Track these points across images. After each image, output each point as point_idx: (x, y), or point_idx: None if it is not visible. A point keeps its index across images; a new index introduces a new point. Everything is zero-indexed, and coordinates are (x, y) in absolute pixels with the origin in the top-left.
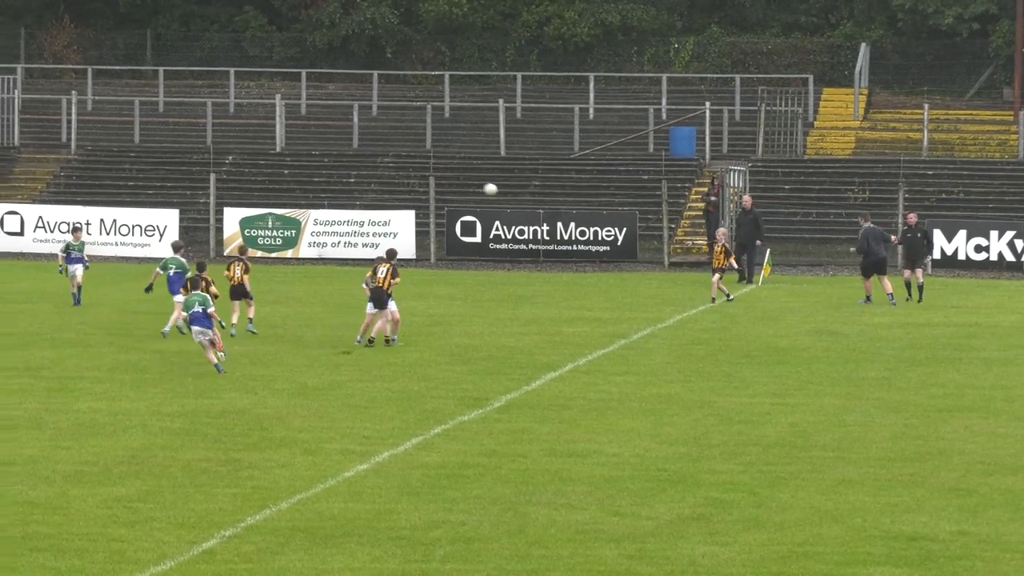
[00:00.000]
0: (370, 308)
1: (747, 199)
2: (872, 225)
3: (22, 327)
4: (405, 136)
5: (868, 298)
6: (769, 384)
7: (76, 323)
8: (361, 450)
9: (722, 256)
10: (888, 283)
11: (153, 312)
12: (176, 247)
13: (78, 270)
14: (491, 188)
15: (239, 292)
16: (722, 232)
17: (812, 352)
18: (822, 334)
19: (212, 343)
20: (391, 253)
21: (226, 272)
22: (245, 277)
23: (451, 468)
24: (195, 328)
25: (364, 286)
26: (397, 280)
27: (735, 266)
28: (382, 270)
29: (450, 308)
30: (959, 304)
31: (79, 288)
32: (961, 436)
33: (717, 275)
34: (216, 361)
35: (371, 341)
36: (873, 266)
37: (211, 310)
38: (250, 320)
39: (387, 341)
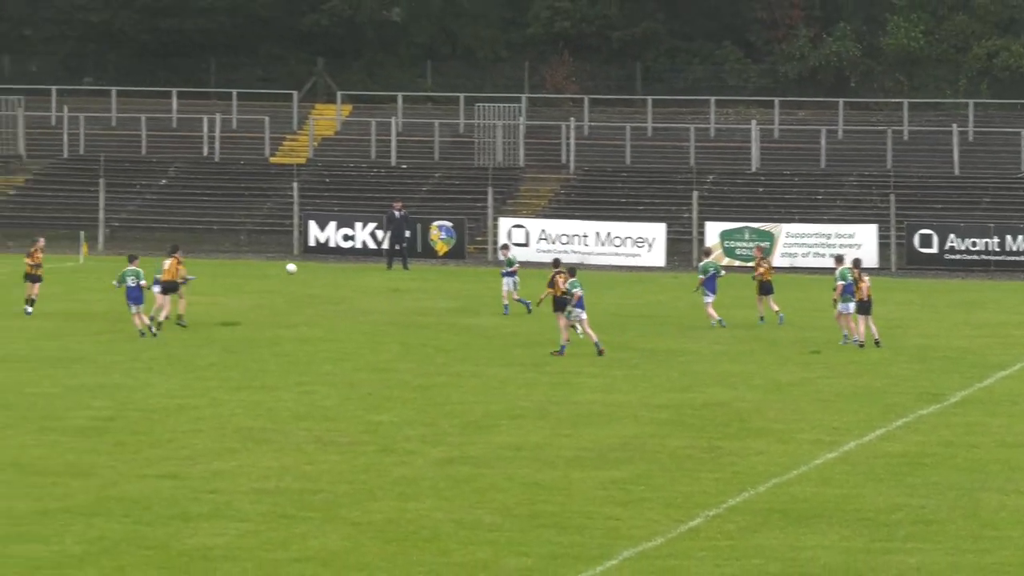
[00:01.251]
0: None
1: None
2: None
3: (531, 327)
4: (868, 157)
5: None
6: None
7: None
8: (830, 440)
9: None
10: None
11: (645, 316)
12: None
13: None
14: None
15: None
16: None
17: None
18: None
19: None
20: (856, 262)
21: None
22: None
23: (911, 457)
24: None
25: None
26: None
27: None
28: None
29: (908, 312)
30: None
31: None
32: None
33: None
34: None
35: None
36: None
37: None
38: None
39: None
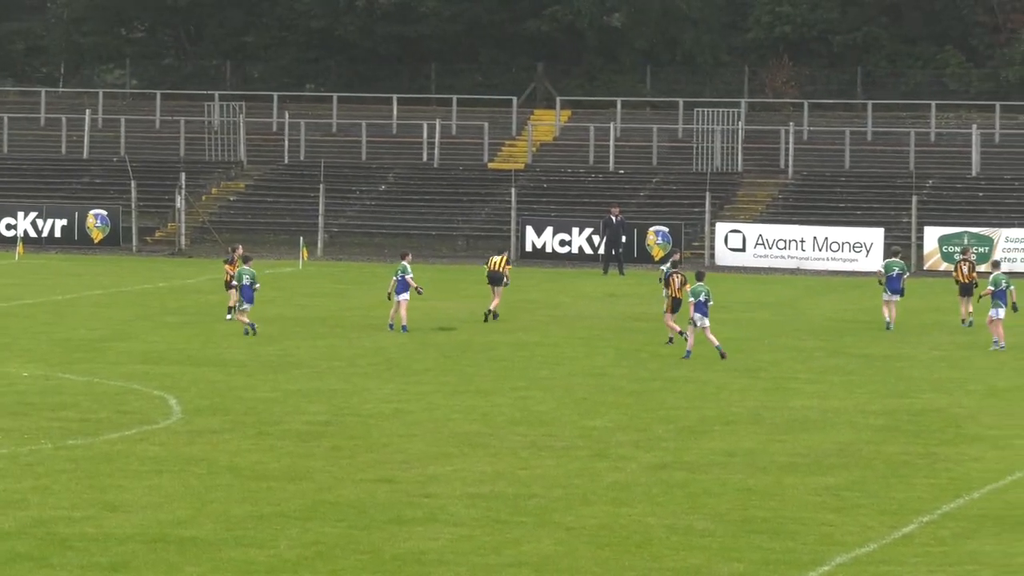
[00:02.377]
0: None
1: None
2: None
3: (744, 333)
4: None
5: None
6: None
7: (790, 329)
8: None
9: None
10: None
11: (861, 321)
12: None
13: None
14: None
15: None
16: None
17: None
18: None
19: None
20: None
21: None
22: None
23: None
24: None
25: None
26: None
27: None
28: None
29: None
30: None
31: None
32: None
33: None
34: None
35: None
36: None
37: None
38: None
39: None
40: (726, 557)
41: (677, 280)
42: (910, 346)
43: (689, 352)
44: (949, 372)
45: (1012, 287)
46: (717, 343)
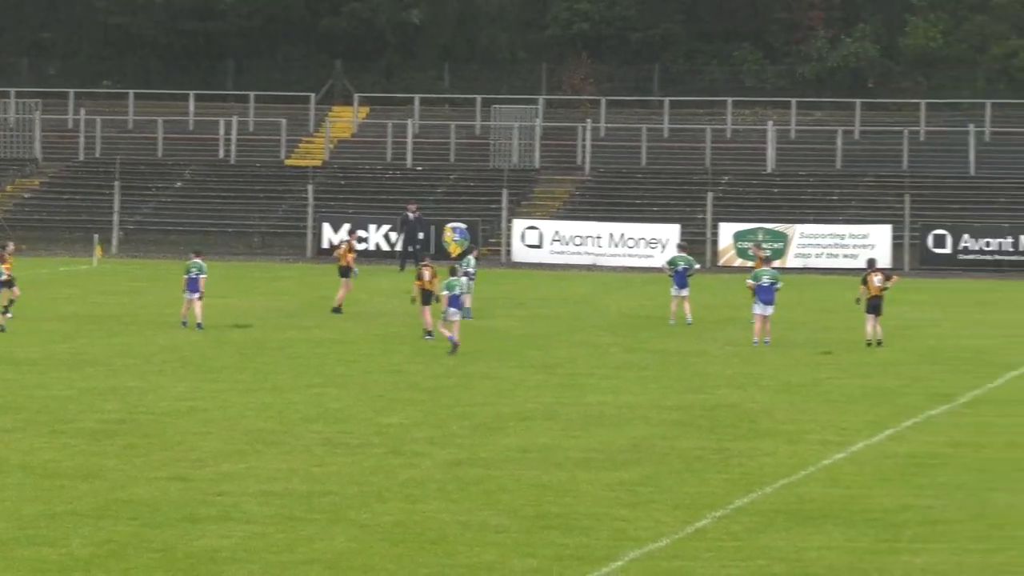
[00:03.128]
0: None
1: None
2: None
3: (540, 329)
4: (883, 158)
5: None
6: None
7: (587, 325)
8: (839, 440)
9: None
10: None
11: (657, 317)
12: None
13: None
14: None
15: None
16: None
17: None
18: None
19: None
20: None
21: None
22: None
23: (920, 458)
24: None
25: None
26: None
27: None
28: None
29: (922, 313)
30: None
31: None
32: None
33: None
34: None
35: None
36: None
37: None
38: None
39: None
40: (520, 553)
41: (427, 272)
42: (704, 342)
43: (455, 346)
44: (743, 367)
45: (877, 278)
46: (455, 336)
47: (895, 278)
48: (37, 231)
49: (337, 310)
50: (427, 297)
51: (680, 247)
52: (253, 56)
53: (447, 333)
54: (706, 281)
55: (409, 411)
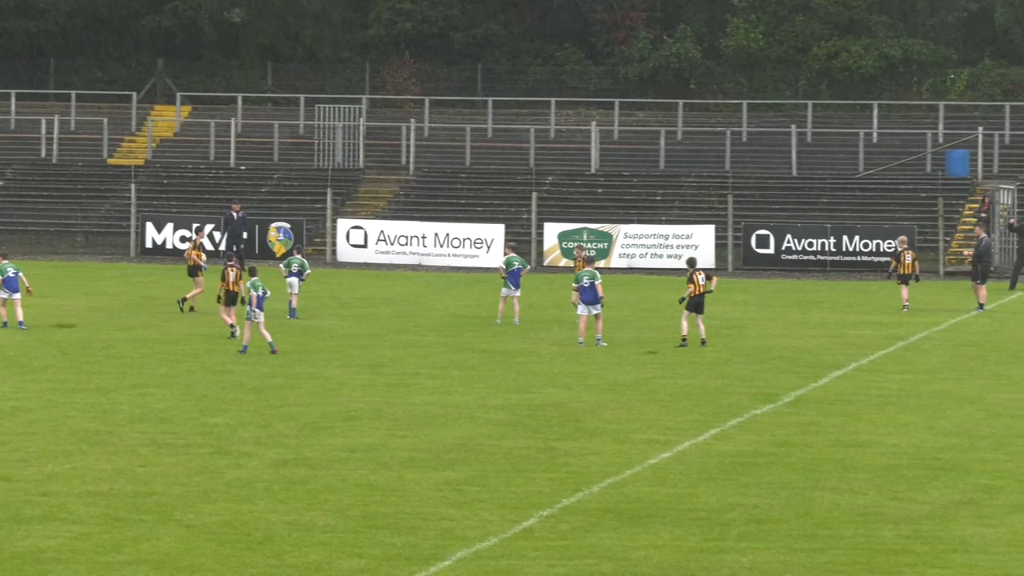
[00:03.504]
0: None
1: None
2: None
3: (365, 329)
4: (706, 158)
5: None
6: None
7: (412, 325)
8: (664, 440)
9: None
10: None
11: (483, 317)
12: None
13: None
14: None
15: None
16: (903, 239)
17: None
18: None
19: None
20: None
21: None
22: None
23: (745, 456)
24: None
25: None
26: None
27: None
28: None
29: (745, 313)
30: None
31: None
32: None
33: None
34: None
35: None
36: None
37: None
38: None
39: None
40: (347, 553)
41: (232, 274)
42: (531, 341)
43: (245, 347)
44: (569, 367)
45: (701, 277)
46: (270, 339)
47: (715, 279)
48: None
49: (184, 301)
50: (231, 298)
51: (510, 247)
52: (75, 55)
53: (231, 325)
54: (532, 281)
55: (235, 411)
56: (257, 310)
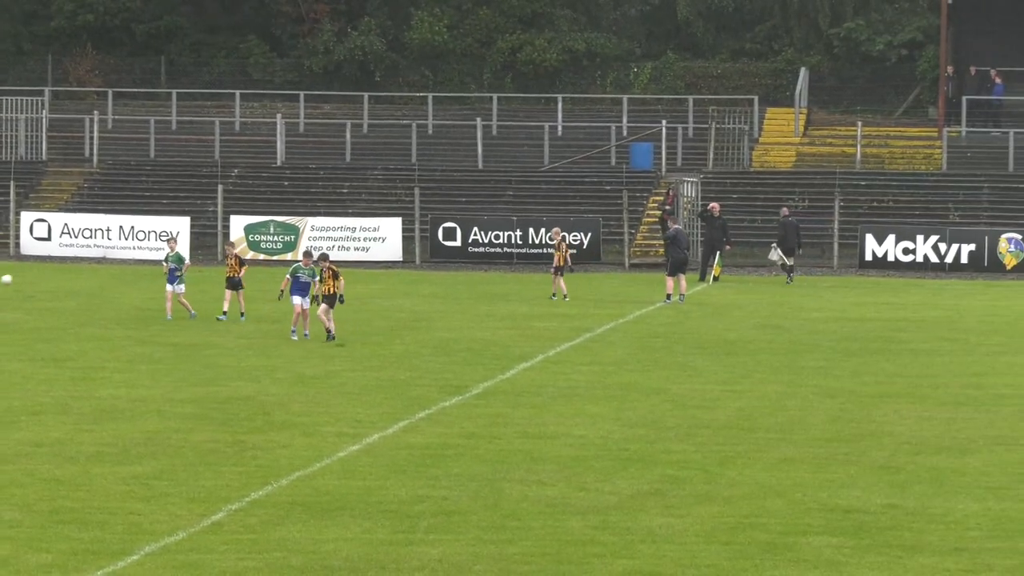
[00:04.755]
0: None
1: (715, 206)
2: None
3: (49, 323)
4: (393, 151)
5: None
6: (719, 373)
7: (97, 319)
8: (353, 432)
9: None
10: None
11: (162, 309)
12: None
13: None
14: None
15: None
16: (557, 231)
17: (757, 344)
18: (766, 328)
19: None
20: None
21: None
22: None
23: (434, 449)
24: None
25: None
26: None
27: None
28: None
29: (433, 305)
30: (889, 301)
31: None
32: (891, 419)
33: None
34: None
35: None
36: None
37: None
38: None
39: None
40: (34, 548)
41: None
42: (218, 334)
43: None
44: (257, 360)
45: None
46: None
47: (342, 279)
48: None
49: None
50: None
51: (171, 245)
52: None
53: None
54: (216, 275)
55: None
56: None
